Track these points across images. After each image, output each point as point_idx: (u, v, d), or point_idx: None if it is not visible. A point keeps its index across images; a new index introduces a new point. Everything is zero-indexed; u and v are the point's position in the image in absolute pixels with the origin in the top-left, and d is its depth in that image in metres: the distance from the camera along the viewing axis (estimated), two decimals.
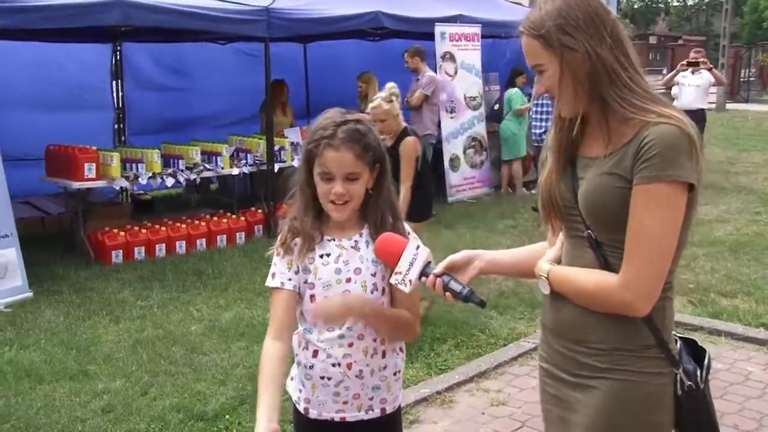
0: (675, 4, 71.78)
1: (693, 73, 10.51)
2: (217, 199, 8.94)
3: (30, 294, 5.77)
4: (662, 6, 70.12)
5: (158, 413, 3.85)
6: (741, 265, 6.42)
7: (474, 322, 5.06)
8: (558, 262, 1.80)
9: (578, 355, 1.74)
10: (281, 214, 1.95)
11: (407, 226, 2.07)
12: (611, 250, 1.67)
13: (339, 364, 1.98)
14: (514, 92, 10.03)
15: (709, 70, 10.52)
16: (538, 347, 1.95)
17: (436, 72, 9.58)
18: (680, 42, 32.20)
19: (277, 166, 7.89)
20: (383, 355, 2.03)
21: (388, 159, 2.03)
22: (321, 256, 1.99)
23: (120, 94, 9.62)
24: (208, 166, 7.84)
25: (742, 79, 29.53)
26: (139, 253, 6.95)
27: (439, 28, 9.47)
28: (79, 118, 8.82)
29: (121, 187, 8.08)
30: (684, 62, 10.99)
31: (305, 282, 1.99)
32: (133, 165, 7.36)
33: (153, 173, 7.35)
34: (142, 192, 8.97)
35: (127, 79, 9.57)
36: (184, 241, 7.22)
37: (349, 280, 1.98)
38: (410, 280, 1.84)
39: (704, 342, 4.65)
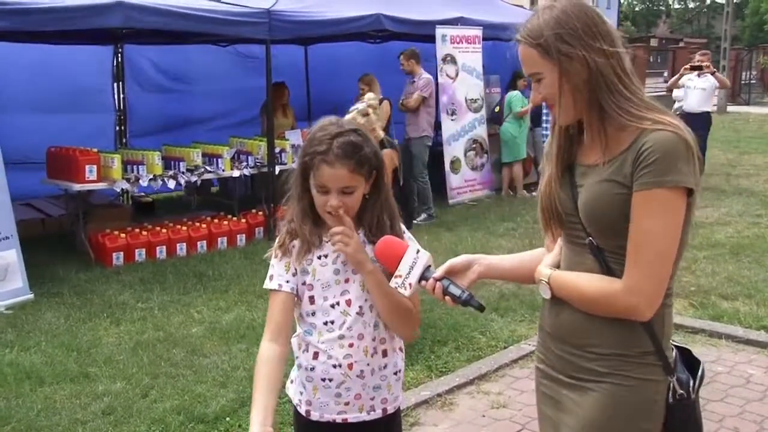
0: (676, 6, 71.87)
1: (699, 76, 10.50)
2: (217, 201, 8.94)
3: (31, 296, 5.77)
4: (663, 8, 70.19)
5: (159, 415, 3.85)
6: (742, 267, 6.42)
7: (474, 325, 5.06)
8: (557, 267, 1.82)
9: (578, 360, 1.76)
10: (279, 216, 1.95)
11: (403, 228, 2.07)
12: (612, 256, 1.69)
13: (340, 365, 1.98)
14: (514, 95, 10.04)
15: (712, 74, 10.51)
16: (535, 349, 1.96)
17: (437, 74, 9.60)
18: (681, 44, 32.20)
19: (277, 168, 7.89)
20: (383, 355, 2.03)
21: (385, 164, 2.03)
22: (319, 257, 1.99)
23: (121, 96, 9.62)
24: (208, 168, 7.85)
25: (743, 82, 29.53)
26: (140, 255, 6.95)
27: (440, 31, 9.47)
28: (81, 120, 8.83)
29: (122, 189, 8.08)
30: (687, 66, 10.99)
31: (303, 283, 2.00)
32: (134, 167, 7.37)
33: (154, 175, 7.36)
34: (142, 194, 8.98)
35: (128, 81, 9.58)
36: (184, 243, 7.23)
37: (347, 281, 1.99)
38: (410, 284, 1.85)
39: (705, 345, 4.69)
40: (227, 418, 3.82)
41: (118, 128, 9.64)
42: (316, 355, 2.00)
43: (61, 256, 6.93)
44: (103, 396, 4.08)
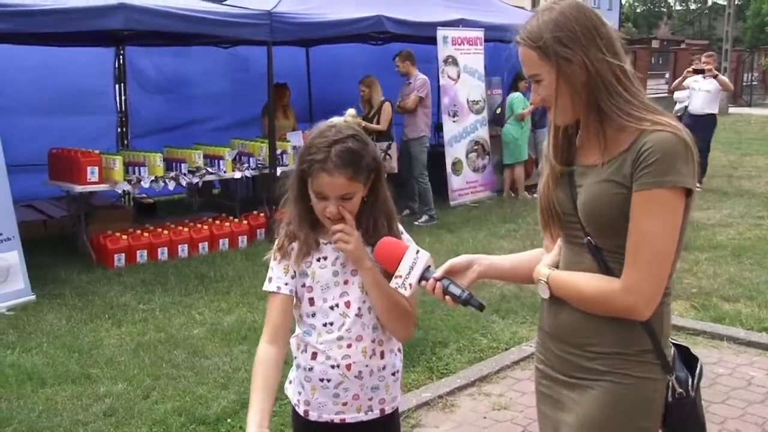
0: (677, 8, 71.86)
1: (704, 77, 10.50)
2: (219, 203, 8.94)
3: (32, 297, 5.78)
4: (665, 10, 70.19)
5: (160, 417, 3.85)
6: (743, 269, 6.42)
7: (476, 326, 5.06)
8: (556, 266, 1.83)
9: (577, 359, 1.77)
10: (278, 218, 1.95)
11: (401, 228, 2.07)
12: (611, 255, 1.70)
13: (338, 366, 1.99)
14: (516, 96, 10.04)
15: (715, 77, 10.51)
16: (534, 349, 1.96)
17: (438, 76, 9.61)
18: (683, 46, 32.20)
19: (279, 170, 7.90)
20: (382, 356, 2.04)
21: (383, 167, 2.03)
22: (318, 260, 1.99)
23: (123, 97, 9.63)
24: (210, 169, 7.85)
25: (744, 83, 29.53)
26: (142, 256, 6.96)
27: (441, 32, 9.48)
28: (82, 122, 8.85)
29: (124, 191, 8.09)
30: (690, 68, 10.99)
31: (303, 285, 2.00)
32: (136, 168, 7.37)
33: (155, 177, 7.37)
34: (144, 195, 8.99)
35: (129, 83, 9.59)
36: (186, 245, 7.23)
37: (346, 282, 2.00)
38: (410, 284, 1.85)
39: (706, 346, 4.69)
40: (228, 420, 3.82)
41: (119, 130, 9.65)
42: (314, 356, 2.01)
43: (62, 258, 6.93)
44: (105, 397, 4.09)
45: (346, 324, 1.98)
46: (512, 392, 4.17)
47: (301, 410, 2.07)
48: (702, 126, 10.31)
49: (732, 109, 23.91)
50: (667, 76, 27.27)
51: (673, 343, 1.79)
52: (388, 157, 8.55)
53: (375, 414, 2.06)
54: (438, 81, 9.69)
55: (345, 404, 2.02)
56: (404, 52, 8.97)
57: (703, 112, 10.49)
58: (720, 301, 5.59)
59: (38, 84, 8.48)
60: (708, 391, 4.02)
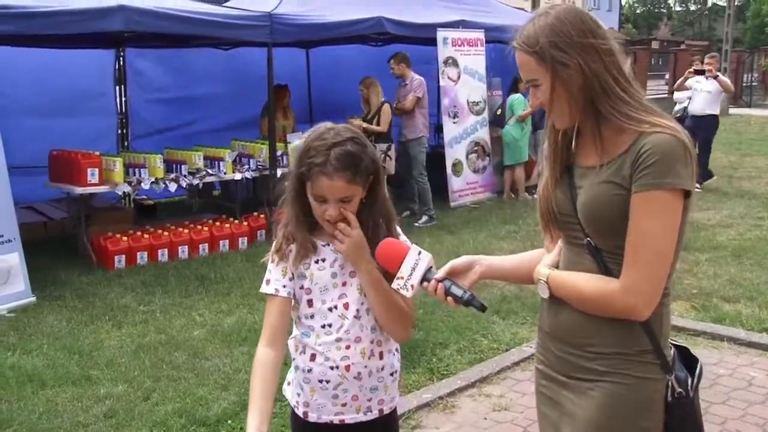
0: (677, 9, 71.90)
1: (707, 78, 10.51)
2: (219, 204, 8.95)
3: (33, 299, 5.78)
4: (665, 11, 70.22)
5: (160, 418, 3.85)
6: (744, 270, 6.42)
7: (476, 327, 5.06)
8: (556, 267, 1.83)
9: (577, 359, 1.77)
10: (276, 219, 1.95)
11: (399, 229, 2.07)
12: (611, 256, 1.70)
13: (337, 367, 1.99)
14: (516, 98, 10.04)
15: (715, 77, 10.51)
16: (534, 350, 1.97)
17: (438, 77, 9.61)
18: (683, 47, 32.21)
19: (279, 171, 7.90)
20: (380, 357, 2.04)
21: (382, 168, 2.03)
22: (316, 262, 2.00)
23: (123, 99, 9.64)
24: (210, 171, 7.86)
25: (744, 84, 29.54)
26: (142, 258, 6.96)
27: (441, 34, 9.49)
28: (83, 123, 8.84)
29: (124, 192, 8.09)
30: (691, 69, 11.00)
31: (301, 287, 2.00)
32: (136, 170, 7.38)
33: (156, 178, 7.37)
34: (144, 197, 8.99)
35: (130, 85, 9.59)
36: (186, 246, 7.23)
37: (345, 284, 2.00)
38: (412, 285, 1.85)
39: (707, 347, 4.69)
40: (229, 421, 3.82)
41: (119, 131, 9.64)
42: (313, 357, 2.01)
43: (63, 259, 6.94)
44: (105, 399, 4.09)
45: (345, 325, 1.99)
46: (513, 393, 4.17)
47: (300, 411, 2.07)
48: (703, 127, 10.31)
49: (732, 110, 23.92)
50: (666, 77, 27.27)
51: (673, 344, 1.80)
52: (387, 158, 8.56)
53: (374, 414, 2.07)
54: (438, 82, 9.69)
55: (344, 405, 2.03)
56: (399, 54, 8.99)
57: (704, 113, 10.49)
58: (720, 301, 5.59)
59: (38, 86, 8.49)
60: (708, 391, 4.02)
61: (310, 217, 1.98)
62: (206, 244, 7.37)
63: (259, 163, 8.18)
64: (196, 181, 7.74)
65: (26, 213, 7.72)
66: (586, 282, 1.72)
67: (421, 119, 8.91)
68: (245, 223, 7.81)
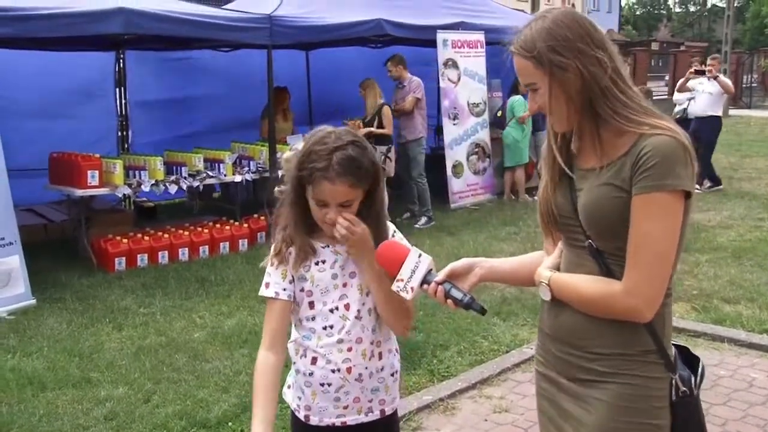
0: (677, 10, 71.94)
1: (709, 80, 10.51)
2: (219, 206, 8.94)
3: (33, 301, 5.78)
4: (664, 12, 70.26)
5: (161, 420, 3.85)
6: (744, 271, 6.41)
7: (477, 329, 5.05)
8: (557, 269, 1.83)
9: (578, 360, 1.77)
10: (275, 222, 1.94)
11: (391, 226, 2.08)
12: (612, 258, 1.71)
13: (339, 369, 1.99)
14: (516, 99, 10.04)
15: (715, 78, 10.51)
16: (534, 352, 1.97)
17: (438, 79, 9.61)
18: (682, 48, 32.20)
19: (279, 173, 7.89)
20: (380, 357, 2.05)
21: (382, 171, 2.04)
22: (317, 263, 2.00)
23: (123, 101, 9.64)
24: (210, 173, 7.86)
25: (744, 85, 29.55)
26: (142, 260, 6.96)
27: (441, 35, 9.49)
28: (83, 126, 8.85)
29: (124, 195, 8.09)
30: (692, 70, 11.00)
31: (302, 290, 2.00)
32: (136, 172, 7.38)
33: (156, 180, 7.37)
34: (144, 199, 8.99)
35: (129, 87, 9.59)
36: (186, 248, 7.23)
37: (345, 285, 2.00)
38: (412, 288, 1.85)
39: (707, 348, 4.69)
40: (229, 423, 3.82)
41: (119, 134, 9.65)
42: (314, 361, 2.01)
43: (63, 262, 6.93)
44: (105, 401, 4.09)
45: (346, 326, 1.99)
46: (513, 395, 4.17)
47: (301, 415, 2.07)
48: (705, 128, 10.33)
49: (732, 111, 23.91)
50: (666, 78, 27.28)
51: (673, 344, 1.80)
52: (387, 160, 8.56)
53: (375, 415, 2.07)
54: (438, 84, 9.69)
55: (346, 407, 2.03)
56: (396, 56, 9.01)
57: (706, 114, 10.50)
58: (721, 302, 5.58)
59: (38, 88, 8.49)
60: (709, 393, 4.02)
61: (308, 220, 1.98)
62: (206, 246, 7.37)
63: (259, 165, 8.18)
64: (196, 183, 7.74)
65: (26, 215, 7.72)
66: (588, 284, 1.72)
67: (420, 120, 8.92)
68: (245, 225, 7.82)
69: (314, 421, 2.05)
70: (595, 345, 1.73)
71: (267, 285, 2.00)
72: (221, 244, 7.48)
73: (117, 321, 5.41)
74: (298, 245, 1.97)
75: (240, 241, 7.62)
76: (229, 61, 9.75)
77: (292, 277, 1.99)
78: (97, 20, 6.39)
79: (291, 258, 1.99)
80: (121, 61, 9.49)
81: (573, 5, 32.15)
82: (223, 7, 9.09)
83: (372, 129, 8.42)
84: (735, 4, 29.48)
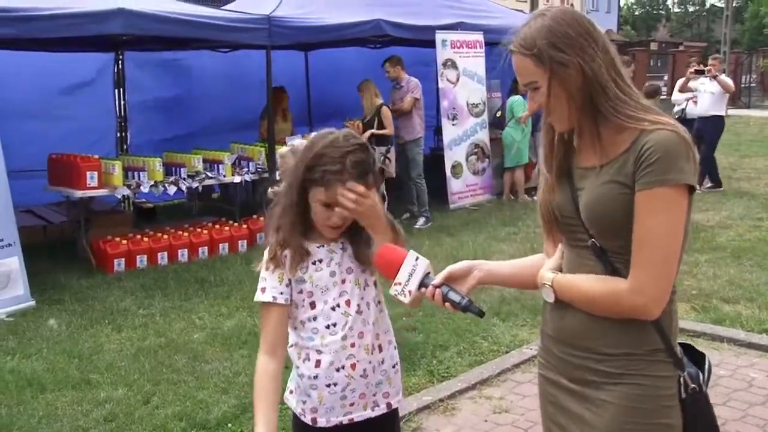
0: (676, 10, 71.95)
1: (710, 80, 10.52)
2: (219, 207, 8.94)
3: (32, 303, 5.77)
4: (663, 12, 70.27)
5: (160, 422, 3.85)
6: (743, 271, 6.41)
7: (476, 330, 5.05)
8: (559, 270, 1.81)
9: (585, 362, 1.75)
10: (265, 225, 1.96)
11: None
12: (616, 256, 1.69)
13: (343, 367, 2.00)
14: (516, 99, 10.04)
15: (714, 77, 10.52)
16: (538, 355, 1.95)
17: (437, 79, 9.61)
18: (681, 48, 32.22)
19: (278, 174, 7.88)
20: (380, 350, 2.07)
21: (383, 172, 2.06)
22: (314, 263, 2.01)
23: (122, 102, 9.64)
24: (209, 174, 7.86)
25: (743, 85, 29.56)
26: (141, 261, 6.95)
27: (440, 36, 9.49)
28: (82, 127, 8.84)
29: (123, 196, 8.09)
30: (692, 70, 11.01)
31: (300, 292, 2.01)
32: (135, 173, 7.37)
33: (155, 181, 7.37)
34: (144, 200, 8.99)
35: (128, 88, 9.59)
36: (186, 249, 7.23)
37: (344, 282, 2.02)
38: (410, 291, 1.85)
39: (707, 348, 4.68)
40: (229, 424, 3.82)
41: (118, 135, 9.65)
42: (318, 363, 2.01)
43: (62, 263, 6.93)
44: (105, 403, 4.08)
45: (349, 322, 2.01)
46: (513, 395, 4.17)
47: (307, 419, 2.06)
48: (709, 128, 10.35)
49: (731, 111, 23.83)
50: (665, 78, 27.29)
51: (678, 342, 1.78)
52: (387, 161, 8.56)
53: (382, 409, 2.09)
54: (437, 84, 9.70)
55: (352, 404, 2.04)
56: (394, 57, 9.03)
57: (708, 114, 10.52)
58: (720, 302, 5.58)
59: (38, 89, 8.49)
60: (709, 393, 4.01)
61: (306, 221, 1.99)
62: (206, 247, 7.37)
63: (258, 166, 8.18)
64: (195, 184, 7.74)
65: (26, 217, 7.72)
66: (593, 284, 1.70)
67: (418, 120, 8.93)
68: (244, 226, 7.81)
69: (321, 422, 2.05)
70: (602, 345, 1.71)
71: (263, 290, 1.99)
72: (220, 245, 7.48)
73: (116, 322, 5.41)
74: (294, 248, 1.98)
75: (239, 241, 7.62)
76: (228, 61, 9.75)
77: (289, 280, 1.99)
78: (97, 21, 6.40)
79: (287, 261, 1.99)
80: (120, 62, 9.48)
81: (572, 5, 32.12)
82: (222, 7, 9.09)
83: (373, 130, 8.43)
84: (733, 5, 29.49)
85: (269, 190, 2.07)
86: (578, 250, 1.76)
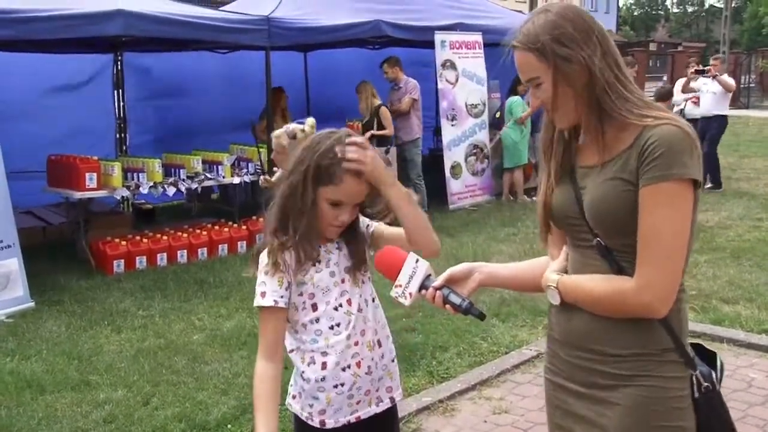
0: (675, 10, 71.98)
1: (712, 80, 10.55)
2: (218, 208, 8.94)
3: (32, 304, 5.77)
4: (662, 13, 70.30)
5: (160, 423, 3.85)
6: (743, 271, 6.41)
7: (476, 330, 5.05)
8: (564, 272, 1.78)
9: (593, 364, 1.71)
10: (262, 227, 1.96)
11: (365, 220, 2.12)
12: (622, 255, 1.66)
13: (349, 366, 2.01)
14: (515, 100, 10.04)
15: (714, 77, 10.53)
16: (544, 359, 1.92)
17: (436, 80, 9.61)
18: (680, 48, 32.29)
19: (276, 176, 7.88)
20: (380, 345, 2.09)
21: None
22: (314, 264, 2.01)
23: (121, 103, 9.63)
24: (209, 175, 7.86)
25: (742, 86, 29.54)
26: (141, 262, 6.95)
27: (439, 36, 9.49)
28: (81, 128, 8.84)
29: (123, 197, 8.08)
30: (692, 70, 11.02)
31: (300, 294, 2.00)
32: (135, 174, 7.37)
33: (154, 182, 7.36)
34: (143, 201, 8.98)
35: (128, 89, 9.59)
36: (185, 251, 7.23)
37: (343, 281, 2.03)
38: (410, 293, 1.85)
39: None
40: (229, 426, 3.81)
41: (118, 136, 9.64)
42: (324, 365, 2.01)
43: (61, 264, 6.92)
44: (105, 404, 4.08)
45: (352, 321, 2.01)
46: (513, 396, 4.17)
47: (315, 422, 2.05)
48: (712, 127, 10.38)
49: (730, 111, 23.90)
50: (665, 78, 27.33)
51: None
52: (387, 161, 8.57)
53: (386, 404, 2.11)
54: (436, 85, 9.70)
55: (359, 402, 2.05)
56: (392, 58, 9.04)
57: (711, 114, 10.55)
58: (720, 303, 5.58)
59: (37, 90, 8.49)
60: None
61: (315, 225, 1.98)
62: (205, 248, 7.36)
63: (257, 167, 8.18)
64: (194, 185, 7.74)
65: (25, 218, 7.71)
66: (598, 283, 1.67)
67: (416, 121, 8.95)
68: (244, 227, 7.81)
69: (330, 424, 2.05)
70: (610, 347, 1.68)
71: (263, 294, 1.97)
72: (220, 246, 7.47)
73: (116, 323, 5.41)
74: (306, 252, 1.96)
75: (238, 242, 7.61)
76: (227, 62, 9.75)
77: (288, 283, 1.98)
78: (96, 22, 6.40)
79: (292, 263, 1.97)
80: (120, 62, 9.48)
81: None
82: (221, 8, 9.09)
83: (373, 131, 8.45)
84: (732, 5, 29.53)
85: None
86: (583, 250, 1.74)
